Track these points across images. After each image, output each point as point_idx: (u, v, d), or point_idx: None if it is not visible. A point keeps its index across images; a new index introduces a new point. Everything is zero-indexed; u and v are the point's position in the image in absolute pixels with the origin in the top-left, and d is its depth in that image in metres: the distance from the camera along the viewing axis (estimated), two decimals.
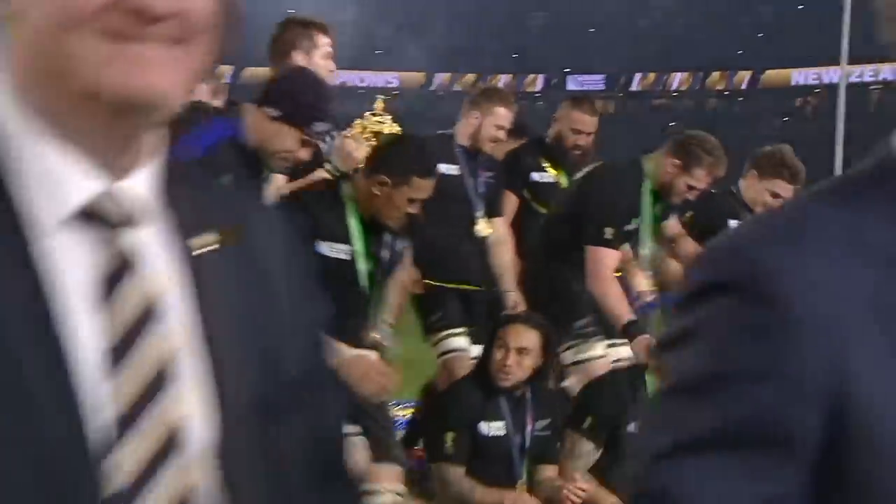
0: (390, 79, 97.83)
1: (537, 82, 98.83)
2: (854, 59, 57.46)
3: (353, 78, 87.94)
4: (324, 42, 8.24)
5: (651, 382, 8.08)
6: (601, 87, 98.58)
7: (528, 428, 7.97)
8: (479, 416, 7.87)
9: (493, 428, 7.86)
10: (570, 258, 9.10)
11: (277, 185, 7.67)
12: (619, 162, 9.89)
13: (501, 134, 9.64)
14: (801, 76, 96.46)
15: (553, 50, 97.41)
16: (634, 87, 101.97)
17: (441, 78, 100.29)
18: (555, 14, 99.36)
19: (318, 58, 8.13)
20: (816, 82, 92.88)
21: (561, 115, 10.24)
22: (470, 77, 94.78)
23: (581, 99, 10.74)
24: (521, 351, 7.80)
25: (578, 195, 9.42)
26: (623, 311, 8.77)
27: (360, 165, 7.72)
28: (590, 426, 8.12)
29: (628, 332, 8.68)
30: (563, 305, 9.15)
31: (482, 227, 9.31)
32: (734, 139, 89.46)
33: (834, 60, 57.31)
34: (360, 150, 7.93)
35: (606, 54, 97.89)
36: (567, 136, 10.08)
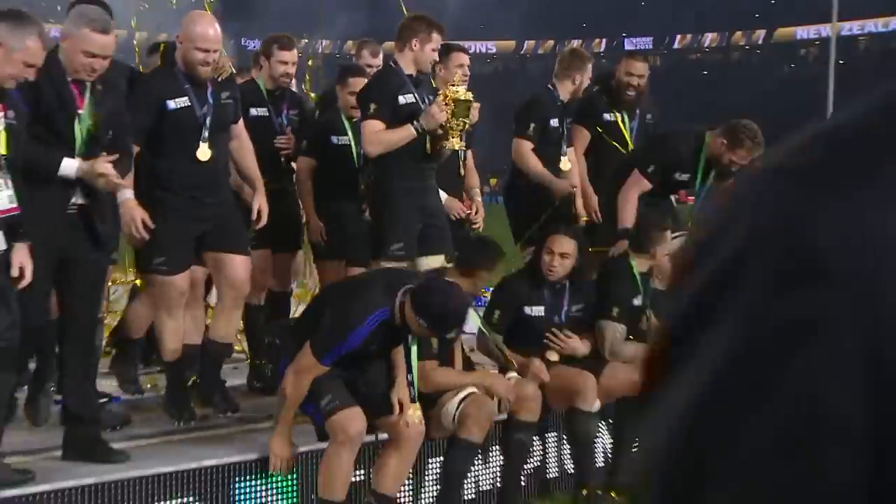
0: (489, 46, 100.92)
1: (601, 45, 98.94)
2: (843, 17, 64.50)
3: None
4: (436, 38, 7.84)
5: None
6: (650, 46, 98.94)
7: (564, 310, 7.77)
8: (525, 301, 7.72)
9: (535, 311, 7.68)
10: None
11: (374, 128, 7.58)
12: (687, 129, 9.54)
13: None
14: (803, 32, 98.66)
15: (612, 18, 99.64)
16: (675, 45, 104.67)
17: (527, 44, 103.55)
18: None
19: (429, 50, 7.79)
20: (816, 36, 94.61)
21: (619, 66, 9.83)
22: (549, 43, 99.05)
23: (633, 52, 10.90)
24: (563, 255, 7.59)
25: (644, 141, 9.46)
26: (625, 219, 8.61)
27: (442, 125, 7.60)
28: (618, 313, 7.86)
29: (620, 235, 8.55)
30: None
31: (564, 163, 9.13)
32: (753, 82, 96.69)
33: (828, 18, 61.62)
34: (441, 114, 7.58)
35: (653, 20, 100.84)
36: (623, 80, 9.62)
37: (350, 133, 8.34)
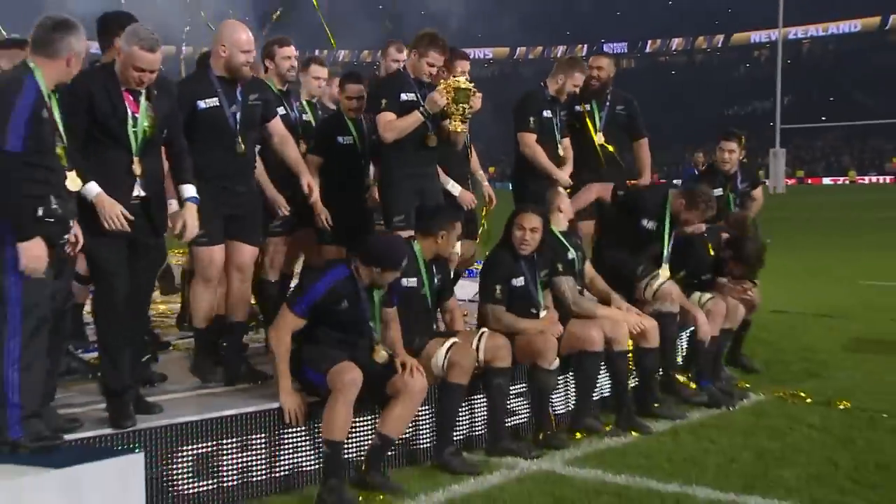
0: (487, 52, 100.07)
1: (584, 49, 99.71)
2: (789, 23, 64.16)
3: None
4: (432, 55, 7.80)
5: None
6: (625, 50, 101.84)
7: (538, 279, 7.74)
8: (510, 274, 7.62)
9: (518, 281, 7.60)
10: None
11: (387, 119, 7.69)
12: (656, 187, 9.76)
13: (577, 88, 9.27)
14: (756, 36, 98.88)
15: (592, 27, 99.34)
16: (647, 49, 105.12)
17: (520, 50, 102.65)
18: (592, 7, 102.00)
19: (425, 63, 7.83)
20: (767, 40, 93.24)
21: (588, 63, 9.66)
22: (538, 49, 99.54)
23: (602, 53, 10.75)
24: (532, 230, 7.54)
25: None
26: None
27: (443, 108, 7.67)
28: (562, 268, 7.91)
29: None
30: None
31: (561, 150, 9.21)
32: (715, 81, 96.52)
33: (775, 24, 62.90)
34: (441, 99, 7.61)
35: (627, 28, 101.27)
36: (589, 74, 9.48)
37: (354, 132, 8.22)
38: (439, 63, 7.91)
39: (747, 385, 9.37)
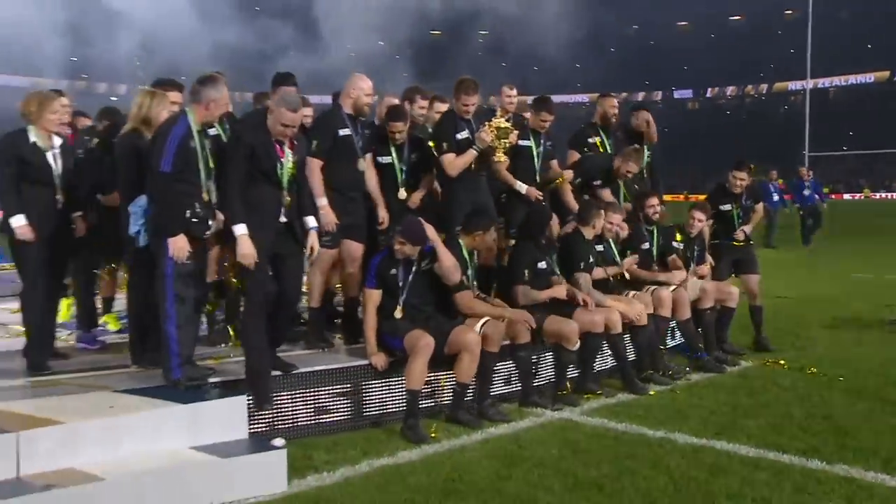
0: (584, 97, 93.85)
1: (659, 95, 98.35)
2: (815, 76, 62.54)
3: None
4: (463, 98, 7.40)
5: None
6: (691, 95, 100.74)
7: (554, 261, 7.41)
8: (535, 259, 7.29)
9: (543, 263, 7.30)
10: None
11: (450, 159, 7.29)
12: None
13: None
14: (793, 85, 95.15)
15: (664, 77, 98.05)
16: (708, 95, 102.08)
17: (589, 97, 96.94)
18: (665, 58, 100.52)
19: (461, 105, 7.44)
20: (800, 88, 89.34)
21: (601, 104, 9.11)
22: (623, 94, 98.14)
23: (606, 93, 9.57)
24: (551, 227, 7.39)
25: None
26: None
27: (489, 144, 7.31)
28: (583, 266, 7.54)
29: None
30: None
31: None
32: (761, 121, 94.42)
33: (805, 76, 61.27)
34: (487, 136, 7.28)
35: (691, 77, 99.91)
36: (608, 112, 8.97)
37: (394, 154, 7.49)
38: (472, 102, 7.52)
39: (743, 354, 8.90)
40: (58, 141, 6.32)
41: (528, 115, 8.33)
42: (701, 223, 8.80)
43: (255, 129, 5.91)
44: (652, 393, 7.43)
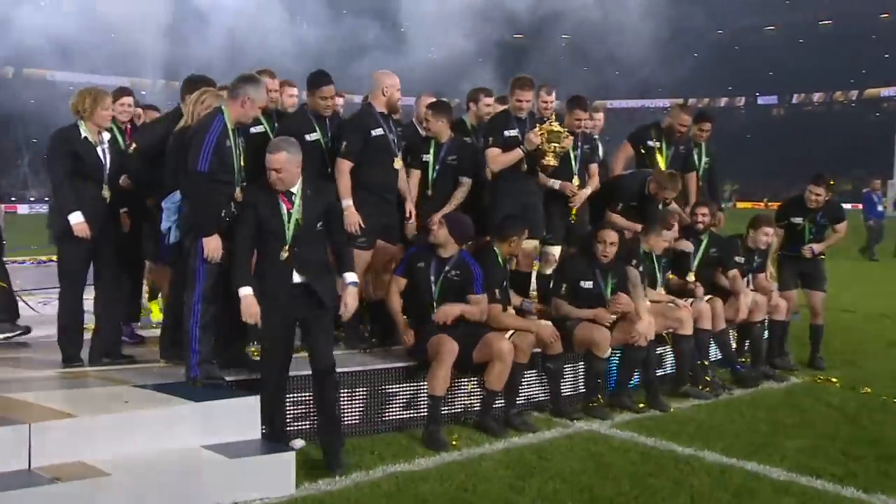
0: (666, 102, 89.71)
1: (742, 101, 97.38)
2: None
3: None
4: (517, 93, 7.31)
5: None
6: (776, 102, 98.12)
7: (610, 283, 7.04)
8: (580, 276, 7.03)
9: (586, 284, 7.00)
10: None
11: (494, 153, 7.21)
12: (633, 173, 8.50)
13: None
14: (886, 92, 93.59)
15: (748, 83, 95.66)
16: (794, 101, 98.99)
17: (690, 101, 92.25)
18: (750, 62, 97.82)
19: (515, 100, 7.33)
20: (893, 94, 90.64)
21: (672, 114, 8.72)
22: (706, 101, 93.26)
23: (684, 105, 9.44)
24: (611, 244, 6.95)
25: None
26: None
27: (538, 146, 7.16)
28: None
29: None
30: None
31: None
32: (851, 127, 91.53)
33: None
34: (535, 139, 7.12)
35: (777, 84, 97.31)
36: (675, 126, 8.58)
37: (432, 152, 7.34)
38: (526, 99, 7.38)
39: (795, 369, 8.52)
40: (106, 136, 6.31)
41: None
42: (767, 237, 8.46)
43: (258, 187, 5.60)
44: (701, 405, 7.15)
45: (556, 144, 7.32)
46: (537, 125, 7.41)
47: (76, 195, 6.06)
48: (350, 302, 5.63)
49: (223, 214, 5.69)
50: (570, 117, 7.84)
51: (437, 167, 7.26)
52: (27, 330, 7.01)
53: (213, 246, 5.59)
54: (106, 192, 6.21)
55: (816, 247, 8.76)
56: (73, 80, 54.82)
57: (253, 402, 5.38)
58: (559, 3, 78.54)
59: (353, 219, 6.70)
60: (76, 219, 6.01)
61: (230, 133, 5.69)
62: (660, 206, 7.99)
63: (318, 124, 6.87)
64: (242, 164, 5.82)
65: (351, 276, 5.63)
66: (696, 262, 8.17)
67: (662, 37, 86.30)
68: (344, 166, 6.71)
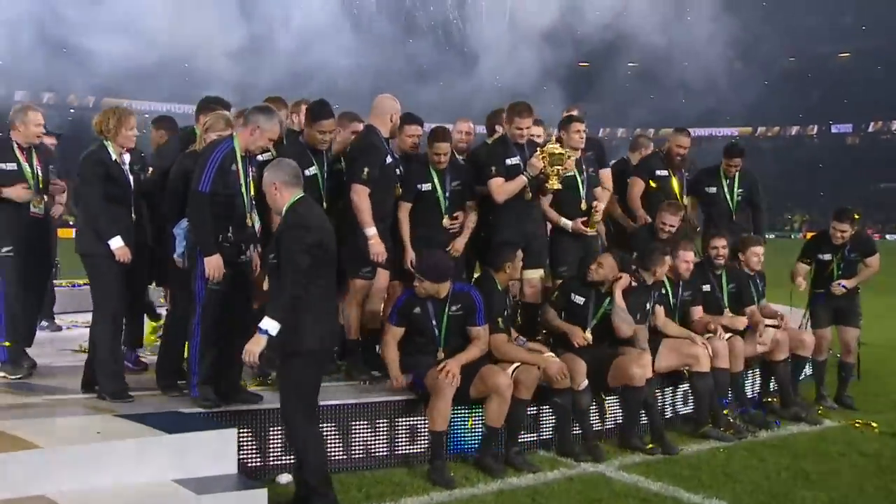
0: (733, 131, 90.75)
1: (814, 129, 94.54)
2: None
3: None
4: (516, 121, 7.04)
5: None
6: (850, 130, 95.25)
7: (602, 308, 6.77)
8: (573, 290, 6.81)
9: (577, 298, 6.78)
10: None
11: (498, 183, 6.92)
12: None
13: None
14: None
15: (821, 111, 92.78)
16: (869, 129, 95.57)
17: (760, 129, 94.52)
18: (823, 90, 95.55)
19: (514, 128, 7.07)
20: None
21: (670, 139, 8.54)
22: (776, 129, 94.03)
23: (681, 129, 8.71)
24: (599, 264, 6.71)
25: None
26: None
27: (541, 171, 6.93)
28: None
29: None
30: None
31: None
32: None
33: None
34: (538, 163, 6.90)
35: (851, 111, 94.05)
36: (673, 150, 8.37)
37: (436, 180, 7.00)
38: (525, 126, 7.11)
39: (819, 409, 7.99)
40: (127, 157, 6.17)
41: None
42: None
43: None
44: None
45: (559, 167, 7.06)
46: (537, 149, 7.14)
47: (113, 219, 5.91)
48: (250, 348, 4.89)
49: (220, 239, 5.63)
50: (568, 137, 7.40)
51: (446, 195, 6.98)
52: (32, 369, 6.78)
53: (214, 265, 5.56)
54: (133, 215, 6.11)
55: (847, 283, 8.26)
56: (148, 108, 56.13)
57: (228, 434, 5.19)
58: (626, 29, 78.16)
59: (378, 248, 6.51)
60: (117, 243, 5.86)
61: (238, 158, 5.66)
62: (662, 235, 7.70)
63: (315, 158, 6.62)
64: (253, 192, 5.76)
65: (266, 323, 4.91)
66: (724, 299, 7.84)
67: (731, 65, 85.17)
68: (365, 193, 6.50)
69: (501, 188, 7.03)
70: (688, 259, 7.49)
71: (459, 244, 7.00)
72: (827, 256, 8.33)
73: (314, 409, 5.17)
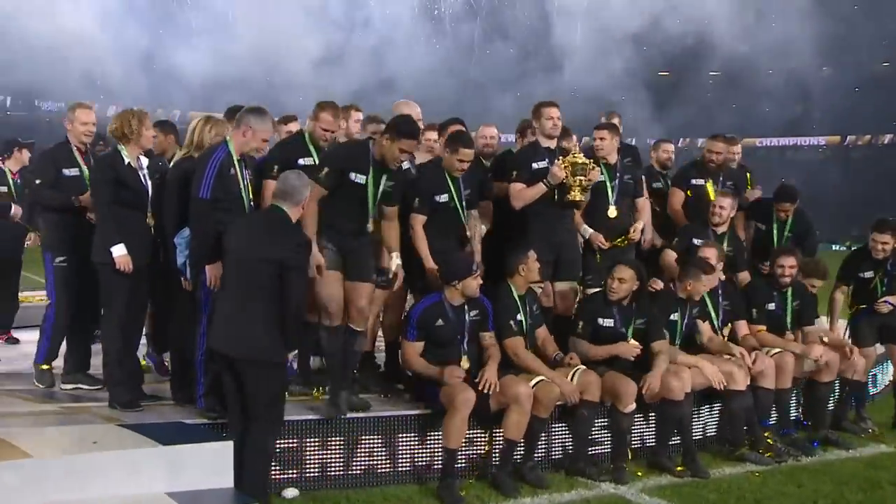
0: (821, 140, 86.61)
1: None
2: None
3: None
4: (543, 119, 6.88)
5: None
6: None
7: (631, 324, 6.50)
8: (598, 315, 6.49)
9: (606, 322, 6.47)
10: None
11: (517, 188, 6.77)
12: None
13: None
14: None
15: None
16: None
17: (849, 138, 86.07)
18: None
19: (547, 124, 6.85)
20: None
21: (706, 146, 8.21)
22: (866, 137, 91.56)
23: (716, 135, 8.29)
24: (621, 280, 6.41)
25: None
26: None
27: (563, 181, 6.69)
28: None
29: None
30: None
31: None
32: None
33: None
34: (559, 172, 6.65)
35: None
36: (707, 156, 8.03)
37: (453, 189, 6.55)
38: (555, 116, 6.93)
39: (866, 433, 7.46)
40: (144, 161, 6.12)
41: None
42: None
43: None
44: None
45: (582, 178, 6.77)
46: (560, 158, 6.86)
47: (119, 225, 5.81)
48: None
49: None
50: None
51: (462, 205, 6.62)
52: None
53: (216, 273, 5.42)
54: (150, 220, 6.00)
55: (893, 299, 7.67)
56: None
57: (225, 447, 5.03)
58: (707, 36, 76.69)
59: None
60: (119, 251, 5.76)
61: (235, 162, 5.58)
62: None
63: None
64: (251, 195, 5.70)
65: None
66: (788, 319, 7.44)
67: (819, 72, 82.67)
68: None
69: (520, 194, 6.81)
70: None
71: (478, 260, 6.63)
72: (868, 274, 7.77)
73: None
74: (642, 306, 6.61)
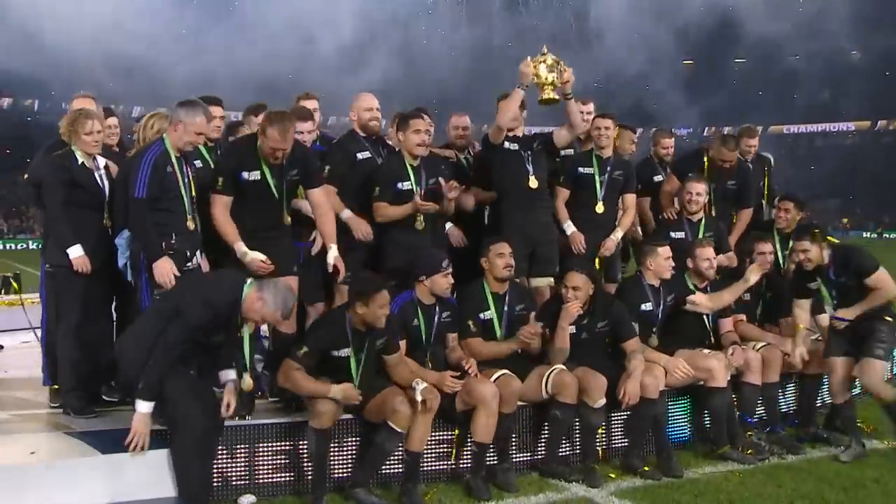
0: (850, 125, 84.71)
1: None
2: None
3: None
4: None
5: None
6: None
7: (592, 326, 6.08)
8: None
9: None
10: None
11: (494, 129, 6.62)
12: None
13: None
14: None
15: None
16: None
17: (880, 123, 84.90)
18: None
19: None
20: None
21: (712, 146, 7.73)
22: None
23: (726, 136, 7.92)
24: (575, 289, 5.95)
25: None
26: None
27: (533, 79, 6.39)
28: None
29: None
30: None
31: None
32: None
33: None
34: (528, 69, 6.34)
35: None
36: (714, 159, 7.62)
37: (412, 178, 6.36)
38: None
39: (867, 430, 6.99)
40: (101, 161, 5.92)
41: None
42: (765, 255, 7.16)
43: None
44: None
45: (554, 76, 6.41)
46: (528, 58, 6.55)
47: (75, 226, 5.64)
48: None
49: (164, 247, 5.36)
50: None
51: (422, 193, 6.37)
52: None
53: (163, 269, 5.29)
54: (108, 221, 5.79)
55: (843, 312, 6.53)
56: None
57: (163, 457, 4.87)
58: (734, 20, 75.80)
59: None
60: (76, 252, 5.60)
61: (173, 159, 5.44)
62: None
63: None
64: (193, 193, 5.54)
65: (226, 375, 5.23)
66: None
67: (848, 58, 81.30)
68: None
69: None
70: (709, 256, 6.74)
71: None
72: (814, 284, 6.72)
73: None
74: (602, 308, 6.23)
